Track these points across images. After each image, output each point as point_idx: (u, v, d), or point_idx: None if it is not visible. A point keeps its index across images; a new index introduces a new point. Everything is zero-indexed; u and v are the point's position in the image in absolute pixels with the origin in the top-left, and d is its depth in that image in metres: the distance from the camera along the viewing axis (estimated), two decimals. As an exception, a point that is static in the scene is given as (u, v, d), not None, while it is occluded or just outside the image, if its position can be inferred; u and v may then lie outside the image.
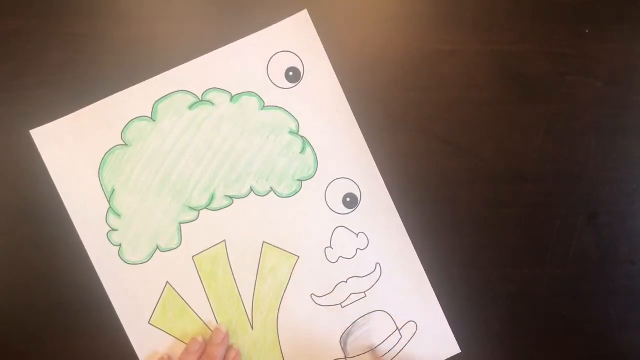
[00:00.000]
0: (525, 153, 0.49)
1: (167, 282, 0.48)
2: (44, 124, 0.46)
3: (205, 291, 0.48)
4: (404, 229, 0.48)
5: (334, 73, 0.47)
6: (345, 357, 0.49)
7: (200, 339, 0.47)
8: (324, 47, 0.48)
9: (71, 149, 0.47)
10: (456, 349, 0.49)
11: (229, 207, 0.48)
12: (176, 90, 0.47)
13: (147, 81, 0.47)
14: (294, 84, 0.48)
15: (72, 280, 0.48)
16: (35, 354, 0.48)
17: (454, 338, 0.49)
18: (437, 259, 0.48)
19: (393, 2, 0.49)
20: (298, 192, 0.48)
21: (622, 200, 0.49)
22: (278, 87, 0.48)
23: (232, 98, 0.48)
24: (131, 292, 0.48)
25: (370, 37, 0.48)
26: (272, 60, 0.47)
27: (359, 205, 0.48)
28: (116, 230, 0.48)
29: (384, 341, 0.48)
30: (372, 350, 0.48)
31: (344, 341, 0.48)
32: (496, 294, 0.46)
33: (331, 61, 0.48)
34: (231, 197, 0.48)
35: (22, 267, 0.48)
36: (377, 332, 0.49)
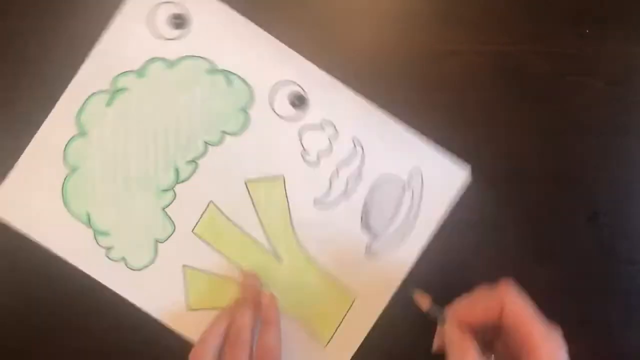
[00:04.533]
0: (525, 153, 0.48)
1: (183, 265, 0.48)
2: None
3: (221, 253, 0.48)
4: (358, 96, 0.47)
5: (219, 1, 0.46)
6: (376, 238, 0.48)
7: (268, 293, 0.46)
8: (323, 48, 0.47)
9: (29, 201, 0.46)
10: (465, 172, 0.48)
11: (197, 171, 0.47)
12: (87, 95, 0.46)
13: (58, 102, 0.46)
14: (183, 29, 0.46)
15: (73, 280, 0.47)
16: (35, 354, 0.48)
17: (458, 162, 0.48)
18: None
19: (393, 2, 0.48)
20: (248, 121, 0.47)
21: (622, 200, 0.49)
22: (171, 39, 0.46)
23: (137, 74, 0.46)
24: (156, 291, 0.47)
25: (369, 37, 0.48)
26: (152, 20, 0.46)
27: (308, 99, 0.47)
28: (111, 247, 0.47)
29: (400, 203, 0.48)
30: (394, 217, 0.48)
31: (365, 224, 0.48)
32: None
33: (331, 61, 0.47)
34: (193, 161, 0.47)
35: (23, 267, 0.47)
36: (390, 198, 0.48)
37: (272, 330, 0.45)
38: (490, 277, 0.46)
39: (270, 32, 0.47)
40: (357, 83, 0.47)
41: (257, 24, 0.47)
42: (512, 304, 0.39)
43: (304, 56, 0.47)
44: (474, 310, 0.41)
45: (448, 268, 0.48)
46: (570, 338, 0.45)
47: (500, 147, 0.48)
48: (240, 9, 0.46)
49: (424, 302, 0.44)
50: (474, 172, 0.48)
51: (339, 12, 0.48)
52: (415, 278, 0.45)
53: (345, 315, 0.48)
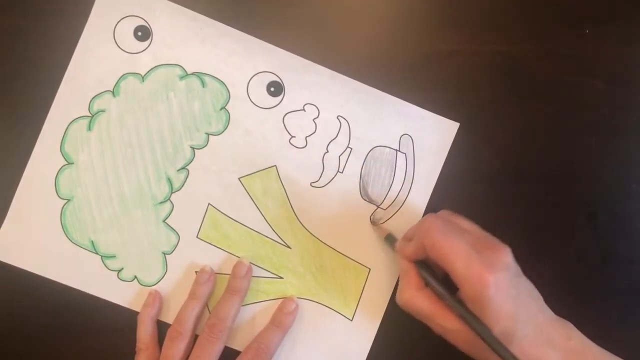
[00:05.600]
0: (525, 153, 0.48)
1: (195, 272, 0.48)
2: None
3: (230, 254, 0.48)
4: (334, 72, 0.47)
5: (174, 3, 0.46)
6: (378, 206, 0.48)
7: (207, 268, 0.47)
8: (323, 47, 0.47)
9: (31, 240, 0.46)
10: (454, 124, 0.48)
11: (189, 177, 0.47)
12: (67, 123, 0.46)
13: (40, 135, 0.46)
14: (148, 40, 0.47)
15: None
16: (36, 354, 0.48)
17: (446, 118, 0.48)
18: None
19: (393, 3, 0.48)
20: (229, 119, 0.47)
21: (622, 200, 0.49)
22: (138, 52, 0.47)
23: (113, 93, 0.47)
24: (173, 302, 0.47)
25: (369, 38, 0.48)
26: (116, 37, 0.46)
27: (284, 85, 0.47)
28: (122, 269, 0.47)
29: (395, 168, 0.48)
30: (392, 182, 0.48)
31: (365, 195, 0.48)
32: None
33: (330, 62, 0.47)
34: (183, 168, 0.47)
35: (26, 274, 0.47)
36: (384, 166, 0.48)
37: (229, 299, 0.46)
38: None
39: (269, 36, 0.47)
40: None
41: (255, 24, 0.47)
42: (430, 242, 0.40)
43: (304, 57, 0.47)
44: (407, 251, 0.43)
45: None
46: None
47: (500, 147, 0.48)
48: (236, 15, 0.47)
49: (382, 232, 0.47)
50: (474, 171, 0.48)
51: (339, 13, 0.48)
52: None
53: (364, 286, 0.48)
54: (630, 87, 0.49)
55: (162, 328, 0.47)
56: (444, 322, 0.40)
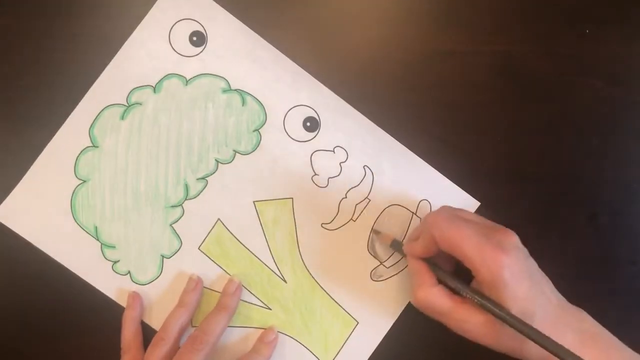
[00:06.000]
0: (525, 153, 0.48)
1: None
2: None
3: (226, 272, 0.48)
4: (372, 123, 0.47)
5: (236, 19, 0.46)
6: (381, 263, 0.48)
7: (195, 276, 0.47)
8: (324, 47, 0.47)
9: (38, 211, 0.46)
10: (475, 203, 0.48)
11: (206, 188, 0.47)
12: (102, 108, 0.46)
13: (72, 113, 0.46)
14: (201, 47, 0.47)
15: (74, 279, 0.47)
16: (36, 353, 0.47)
17: (468, 195, 0.48)
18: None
19: (393, 3, 0.48)
20: (259, 142, 0.47)
21: (622, 200, 0.49)
22: (188, 56, 0.47)
23: (154, 89, 0.47)
24: (160, 306, 0.47)
25: (369, 38, 0.48)
26: (171, 36, 0.47)
27: (321, 123, 0.48)
28: (118, 261, 0.47)
29: (407, 230, 0.48)
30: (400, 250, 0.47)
31: (372, 250, 0.48)
32: None
33: (330, 62, 0.47)
34: (203, 178, 0.47)
35: (24, 267, 0.47)
36: (397, 226, 0.48)
37: (216, 315, 0.46)
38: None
39: (263, 30, 0.47)
40: (357, 83, 0.47)
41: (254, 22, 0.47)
42: (440, 234, 0.40)
43: (303, 57, 0.47)
44: (417, 248, 0.43)
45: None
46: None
47: (500, 147, 0.48)
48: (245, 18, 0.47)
49: (387, 239, 0.47)
50: (474, 171, 0.48)
51: (339, 13, 0.48)
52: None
53: (348, 338, 0.48)
54: (630, 87, 0.49)
55: (152, 334, 0.47)
56: (463, 315, 0.40)
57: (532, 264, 0.41)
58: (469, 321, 0.40)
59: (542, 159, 0.48)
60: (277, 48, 0.47)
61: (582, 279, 0.49)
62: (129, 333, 0.46)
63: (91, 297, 0.47)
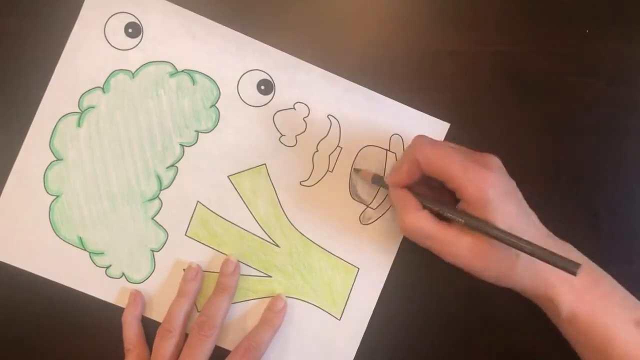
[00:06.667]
0: (525, 153, 0.48)
1: (183, 269, 0.47)
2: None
3: (218, 251, 0.48)
4: (325, 71, 0.47)
5: (169, 3, 0.46)
6: (367, 205, 0.48)
7: (194, 265, 0.47)
8: (321, 47, 0.47)
9: (18, 235, 0.46)
10: (445, 124, 0.48)
11: (178, 175, 0.47)
12: (57, 120, 0.46)
13: (29, 131, 0.46)
14: (138, 37, 0.46)
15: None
16: (36, 353, 0.47)
17: (436, 118, 0.48)
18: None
19: (393, 3, 0.48)
20: (219, 116, 0.47)
21: (622, 200, 0.49)
22: (128, 49, 0.46)
23: (103, 89, 0.46)
24: (161, 300, 0.47)
25: (369, 38, 0.48)
26: (106, 33, 0.46)
27: (275, 84, 0.47)
28: (109, 266, 0.47)
29: (385, 167, 0.48)
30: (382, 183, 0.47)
31: (355, 195, 0.48)
32: (496, 294, 0.45)
33: (331, 62, 0.47)
34: (173, 165, 0.47)
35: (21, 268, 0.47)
36: (374, 165, 0.48)
37: (218, 297, 0.46)
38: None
39: (263, 35, 0.47)
40: (357, 83, 0.48)
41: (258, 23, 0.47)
42: (424, 156, 0.40)
43: (303, 58, 0.47)
44: (401, 174, 0.42)
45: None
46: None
47: (500, 147, 0.47)
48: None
49: (367, 175, 0.46)
50: None
51: (339, 13, 0.48)
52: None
53: (352, 286, 0.48)
54: (630, 87, 0.48)
55: (152, 327, 0.47)
56: (452, 237, 0.40)
57: (516, 189, 0.42)
58: (456, 244, 0.40)
59: (542, 159, 0.48)
60: (281, 49, 0.47)
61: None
62: (132, 331, 0.46)
63: (90, 297, 0.47)
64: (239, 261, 0.47)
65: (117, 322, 0.47)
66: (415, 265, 0.48)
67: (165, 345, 0.44)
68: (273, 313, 0.47)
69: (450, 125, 0.48)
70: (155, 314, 0.47)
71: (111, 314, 0.47)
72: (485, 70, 0.48)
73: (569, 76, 0.48)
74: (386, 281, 0.48)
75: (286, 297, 0.48)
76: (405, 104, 0.48)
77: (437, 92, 0.48)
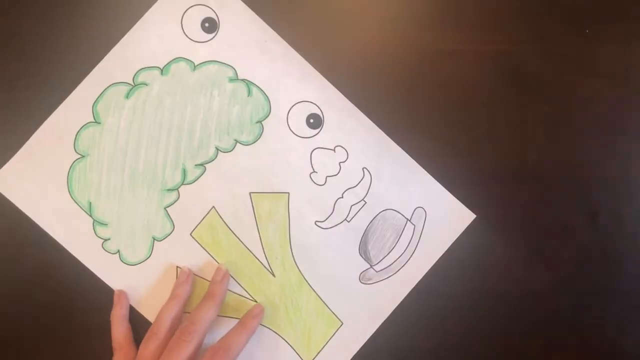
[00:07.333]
0: (525, 153, 0.48)
1: (177, 267, 0.47)
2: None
3: (215, 260, 0.48)
4: (376, 126, 0.47)
5: (249, 8, 0.46)
6: (371, 266, 0.48)
7: (186, 269, 0.47)
8: (326, 46, 0.47)
9: (34, 182, 0.46)
10: (471, 215, 0.48)
11: (203, 175, 0.47)
12: (107, 85, 0.46)
13: (77, 88, 0.46)
14: (212, 34, 0.47)
15: (73, 279, 0.47)
16: (37, 353, 0.48)
17: (465, 206, 0.48)
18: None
19: (393, 3, 0.48)
20: (261, 133, 0.47)
21: (622, 200, 0.49)
22: (199, 42, 0.47)
23: (162, 71, 0.46)
24: (145, 288, 0.47)
25: (370, 38, 0.48)
26: (183, 20, 0.46)
27: (324, 121, 0.48)
28: (108, 239, 0.47)
29: (400, 235, 0.48)
30: (393, 248, 0.48)
31: (363, 251, 0.48)
32: (496, 294, 0.45)
33: (330, 62, 0.47)
34: (202, 164, 0.47)
35: (23, 266, 0.47)
36: (390, 230, 0.48)
37: (206, 305, 0.46)
38: (490, 277, 0.48)
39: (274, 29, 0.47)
40: (357, 83, 0.47)
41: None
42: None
43: (303, 58, 0.47)
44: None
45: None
46: (570, 338, 0.45)
47: (500, 147, 0.48)
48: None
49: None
50: (474, 171, 0.48)
51: (339, 13, 0.48)
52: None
53: (330, 338, 0.48)
54: (630, 87, 0.49)
55: (143, 327, 0.47)
56: None
57: None
58: None
59: (542, 159, 0.48)
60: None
61: (582, 279, 0.49)
62: (119, 331, 0.46)
63: (89, 297, 0.47)
64: (228, 272, 0.47)
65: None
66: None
67: (149, 346, 0.44)
68: (250, 317, 0.47)
69: (476, 217, 0.48)
70: (143, 309, 0.48)
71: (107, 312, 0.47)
72: (485, 70, 0.48)
73: (569, 76, 0.48)
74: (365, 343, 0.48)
75: (264, 326, 0.48)
76: (405, 104, 0.48)
77: (437, 92, 0.48)
